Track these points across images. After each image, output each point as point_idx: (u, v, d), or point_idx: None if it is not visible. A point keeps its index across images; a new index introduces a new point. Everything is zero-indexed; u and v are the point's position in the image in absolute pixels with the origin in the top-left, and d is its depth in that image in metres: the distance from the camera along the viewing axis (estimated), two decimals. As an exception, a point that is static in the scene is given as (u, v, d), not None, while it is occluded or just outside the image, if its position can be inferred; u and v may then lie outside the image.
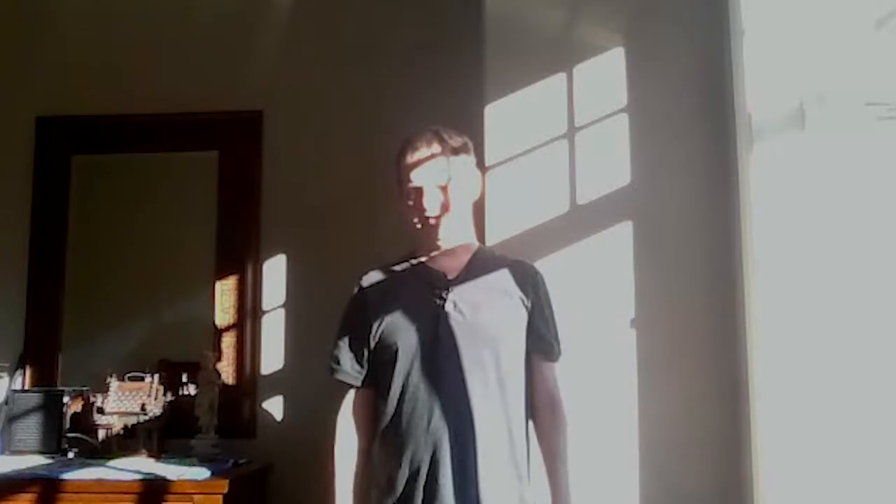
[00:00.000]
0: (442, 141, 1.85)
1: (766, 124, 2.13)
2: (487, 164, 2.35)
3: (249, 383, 3.03)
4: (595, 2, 2.41)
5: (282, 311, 3.06)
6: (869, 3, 2.16)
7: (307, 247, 3.06)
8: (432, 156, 1.83)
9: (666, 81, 2.36)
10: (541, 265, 2.20)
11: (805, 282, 2.06)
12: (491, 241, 2.29)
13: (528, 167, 2.34)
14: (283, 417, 2.99)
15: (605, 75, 2.37)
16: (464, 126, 2.56)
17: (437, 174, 1.83)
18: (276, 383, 3.01)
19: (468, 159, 1.89)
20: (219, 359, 2.96)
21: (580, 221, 2.31)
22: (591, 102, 2.36)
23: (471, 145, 1.92)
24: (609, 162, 2.33)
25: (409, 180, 1.83)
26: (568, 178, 2.34)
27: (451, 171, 1.84)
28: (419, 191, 1.82)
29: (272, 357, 3.04)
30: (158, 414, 2.84)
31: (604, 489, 2.19)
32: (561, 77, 2.37)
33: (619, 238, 2.31)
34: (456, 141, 1.87)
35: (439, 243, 1.87)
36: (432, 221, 1.84)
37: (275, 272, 3.08)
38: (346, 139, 3.06)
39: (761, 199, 2.12)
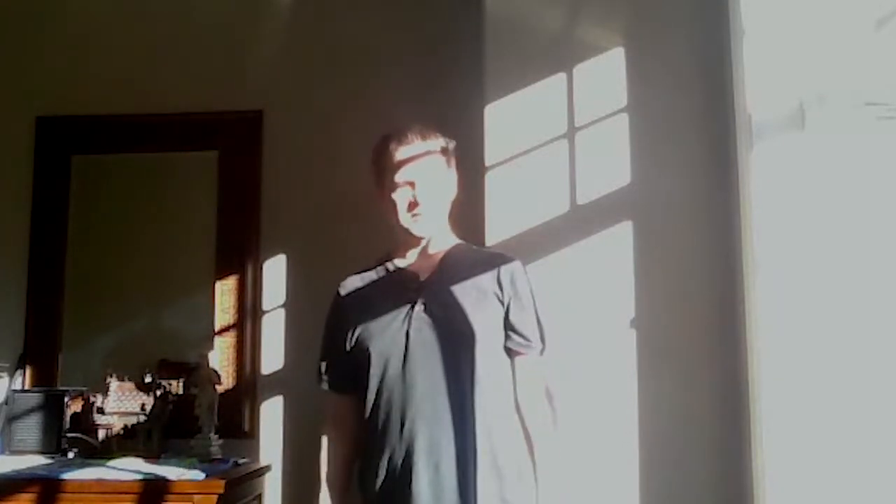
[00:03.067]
0: (430, 137, 1.84)
1: (766, 124, 2.13)
2: (487, 164, 2.35)
3: (249, 383, 3.02)
4: (595, 2, 2.41)
5: (282, 311, 3.06)
6: (869, 3, 2.16)
7: (307, 247, 3.06)
8: (426, 151, 1.81)
9: (666, 81, 2.36)
10: (541, 265, 2.21)
11: (805, 281, 2.06)
12: (491, 241, 2.29)
13: (528, 167, 2.34)
14: (283, 417, 2.99)
15: (605, 75, 2.37)
16: (464, 126, 2.58)
17: (428, 170, 1.81)
18: (276, 383, 3.01)
19: (452, 160, 1.89)
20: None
21: (580, 221, 2.31)
22: (591, 102, 2.36)
23: (453, 147, 1.90)
24: (609, 162, 2.33)
25: (398, 173, 1.80)
26: (568, 178, 2.34)
27: (439, 169, 1.84)
28: (411, 185, 1.80)
29: (272, 357, 3.04)
30: (158, 414, 2.84)
31: (604, 489, 2.19)
32: (561, 77, 2.37)
33: (619, 238, 2.31)
34: (442, 140, 1.86)
35: (421, 241, 1.85)
36: (420, 218, 1.81)
37: (275, 272, 3.08)
38: (346, 139, 3.06)
39: (761, 199, 2.12)
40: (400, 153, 1.81)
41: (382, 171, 1.84)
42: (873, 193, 2.10)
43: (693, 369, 2.25)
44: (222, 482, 2.47)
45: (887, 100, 2.12)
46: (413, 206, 1.80)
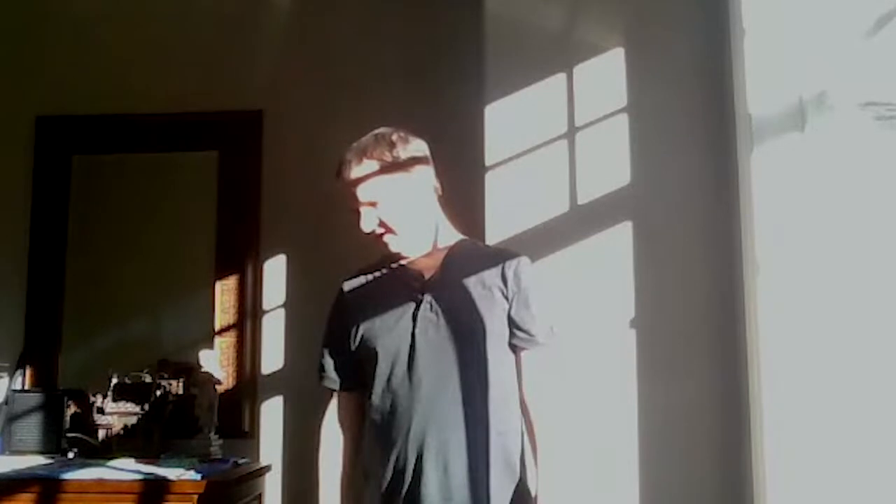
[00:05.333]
0: (368, 155, 1.79)
1: (766, 124, 2.13)
2: (487, 164, 2.35)
3: (249, 383, 3.03)
4: (595, 2, 2.41)
5: (282, 311, 3.06)
6: (869, 3, 2.16)
7: (307, 247, 3.06)
8: (358, 175, 1.79)
9: (666, 81, 2.36)
10: (541, 265, 2.21)
11: (806, 281, 2.06)
12: (491, 241, 2.28)
13: (528, 167, 2.34)
14: (283, 417, 2.99)
15: (605, 75, 2.37)
16: (464, 126, 2.59)
17: (367, 192, 1.78)
18: (276, 383, 3.01)
19: (399, 158, 1.80)
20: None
21: (580, 221, 2.31)
22: (591, 102, 2.36)
23: (411, 144, 1.82)
24: (609, 162, 2.33)
25: (351, 202, 1.80)
26: (568, 178, 2.34)
27: (380, 184, 1.78)
28: (356, 212, 1.79)
29: (272, 357, 3.04)
30: (158, 414, 2.84)
31: (603, 489, 2.19)
32: (561, 77, 2.37)
33: (619, 238, 2.31)
34: (381, 150, 1.80)
35: (398, 256, 1.83)
36: (385, 238, 1.79)
37: (275, 272, 3.08)
38: (346, 139, 3.04)
39: (761, 199, 2.12)
40: (343, 183, 1.81)
41: (345, 197, 1.83)
42: (873, 193, 2.10)
43: (693, 369, 2.25)
44: (222, 482, 2.47)
45: (887, 100, 2.12)
46: (370, 230, 1.79)
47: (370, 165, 1.80)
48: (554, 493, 1.76)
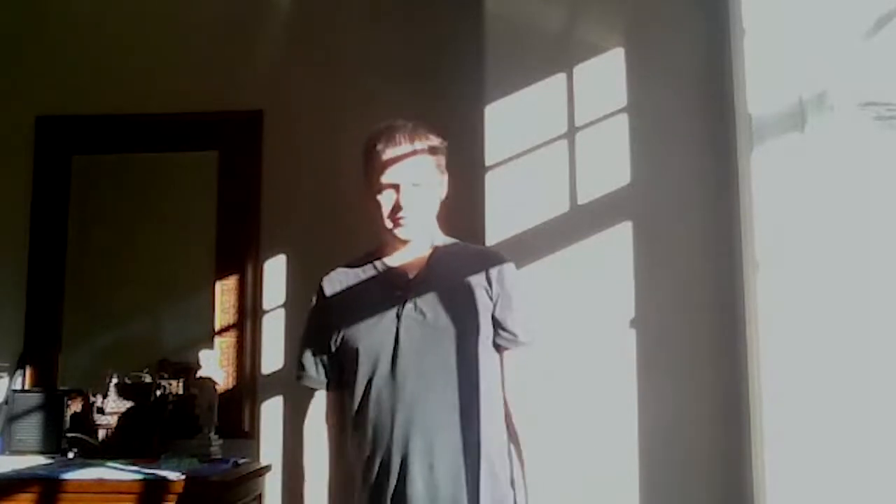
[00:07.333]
0: (421, 138, 1.79)
1: (766, 124, 2.13)
2: (487, 164, 2.35)
3: (249, 383, 3.03)
4: (595, 2, 2.41)
5: (282, 311, 3.06)
6: (869, 3, 2.16)
7: (307, 247, 3.06)
8: (413, 152, 1.77)
9: (666, 81, 2.36)
10: (541, 265, 2.21)
11: (806, 281, 2.06)
12: (491, 241, 2.29)
13: (528, 167, 2.34)
14: (283, 417, 2.99)
15: (605, 75, 2.36)
16: (464, 126, 2.58)
17: (415, 172, 1.77)
18: (276, 383, 3.01)
19: (442, 160, 1.84)
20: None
21: (580, 221, 2.31)
22: (591, 102, 2.35)
23: (444, 146, 1.85)
24: (609, 162, 2.33)
25: (383, 175, 1.76)
26: (568, 178, 2.34)
27: (427, 170, 1.79)
28: (396, 188, 1.76)
29: (272, 357, 3.04)
30: (158, 414, 2.84)
31: (603, 489, 2.19)
32: (561, 77, 2.37)
33: (619, 238, 2.31)
34: (433, 140, 1.82)
35: (408, 242, 1.82)
36: (403, 221, 1.77)
37: (275, 272, 3.08)
38: (346, 139, 3.04)
39: (761, 199, 2.12)
40: (386, 154, 1.77)
41: (370, 170, 1.80)
42: (873, 193, 2.10)
43: (693, 369, 2.25)
44: (222, 482, 2.47)
45: (887, 100, 2.12)
46: (397, 209, 1.77)
47: (421, 146, 1.79)
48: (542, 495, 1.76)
